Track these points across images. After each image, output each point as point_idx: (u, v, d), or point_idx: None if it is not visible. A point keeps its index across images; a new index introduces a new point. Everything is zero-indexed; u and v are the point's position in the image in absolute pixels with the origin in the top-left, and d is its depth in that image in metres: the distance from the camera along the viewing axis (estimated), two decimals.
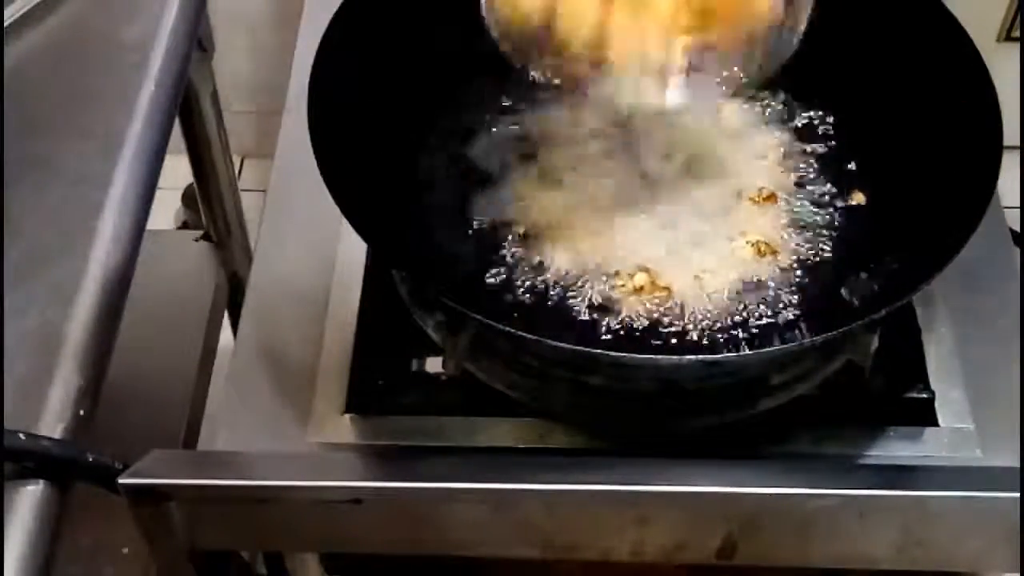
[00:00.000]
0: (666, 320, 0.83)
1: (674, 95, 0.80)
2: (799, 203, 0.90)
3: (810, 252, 0.87)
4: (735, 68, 0.79)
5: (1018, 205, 1.20)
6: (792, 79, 0.95)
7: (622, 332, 0.83)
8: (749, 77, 0.80)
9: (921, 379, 0.87)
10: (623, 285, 0.85)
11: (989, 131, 0.82)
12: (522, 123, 0.95)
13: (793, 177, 0.92)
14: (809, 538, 0.77)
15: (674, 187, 0.91)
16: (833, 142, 0.93)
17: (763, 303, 0.84)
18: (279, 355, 0.90)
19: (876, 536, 0.76)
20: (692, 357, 0.78)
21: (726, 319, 0.83)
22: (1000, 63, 0.90)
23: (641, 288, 0.84)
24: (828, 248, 0.87)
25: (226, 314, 1.39)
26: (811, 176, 0.92)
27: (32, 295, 0.84)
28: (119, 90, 0.97)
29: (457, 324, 0.79)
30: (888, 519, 0.76)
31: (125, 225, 0.90)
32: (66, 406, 0.79)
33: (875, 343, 0.79)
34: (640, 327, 0.83)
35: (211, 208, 1.36)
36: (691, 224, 0.88)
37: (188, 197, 1.81)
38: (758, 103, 0.96)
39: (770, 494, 0.75)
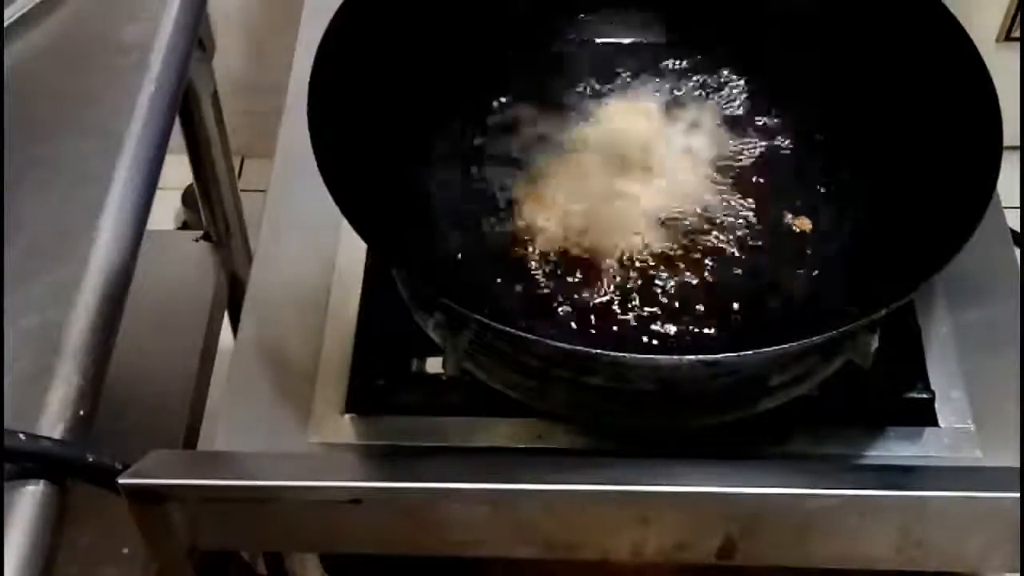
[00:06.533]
0: (666, 320, 0.83)
1: None
2: (798, 201, 0.90)
3: (809, 252, 0.87)
4: None
5: (1018, 205, 1.20)
6: (792, 79, 0.95)
7: (622, 332, 0.83)
8: None
9: (921, 379, 0.87)
10: (623, 284, 0.85)
11: (989, 131, 0.82)
12: (523, 122, 0.95)
13: (792, 176, 0.92)
14: (809, 538, 0.77)
15: (675, 188, 0.91)
16: (833, 143, 0.93)
17: (763, 302, 0.84)
18: (279, 355, 0.90)
19: (876, 536, 0.76)
20: (692, 357, 0.78)
21: (726, 318, 0.83)
22: (1000, 63, 0.90)
23: (642, 288, 0.84)
24: (827, 247, 0.88)
25: (226, 314, 1.39)
26: (810, 175, 0.92)
27: (32, 295, 0.84)
28: (119, 90, 0.97)
29: (457, 324, 0.79)
30: (888, 519, 0.75)
31: (125, 225, 0.89)
32: (66, 406, 0.79)
33: (875, 343, 0.79)
34: (640, 327, 0.83)
35: (211, 208, 1.36)
36: (691, 223, 0.88)
37: (188, 197, 1.81)
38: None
39: (770, 494, 0.74)
